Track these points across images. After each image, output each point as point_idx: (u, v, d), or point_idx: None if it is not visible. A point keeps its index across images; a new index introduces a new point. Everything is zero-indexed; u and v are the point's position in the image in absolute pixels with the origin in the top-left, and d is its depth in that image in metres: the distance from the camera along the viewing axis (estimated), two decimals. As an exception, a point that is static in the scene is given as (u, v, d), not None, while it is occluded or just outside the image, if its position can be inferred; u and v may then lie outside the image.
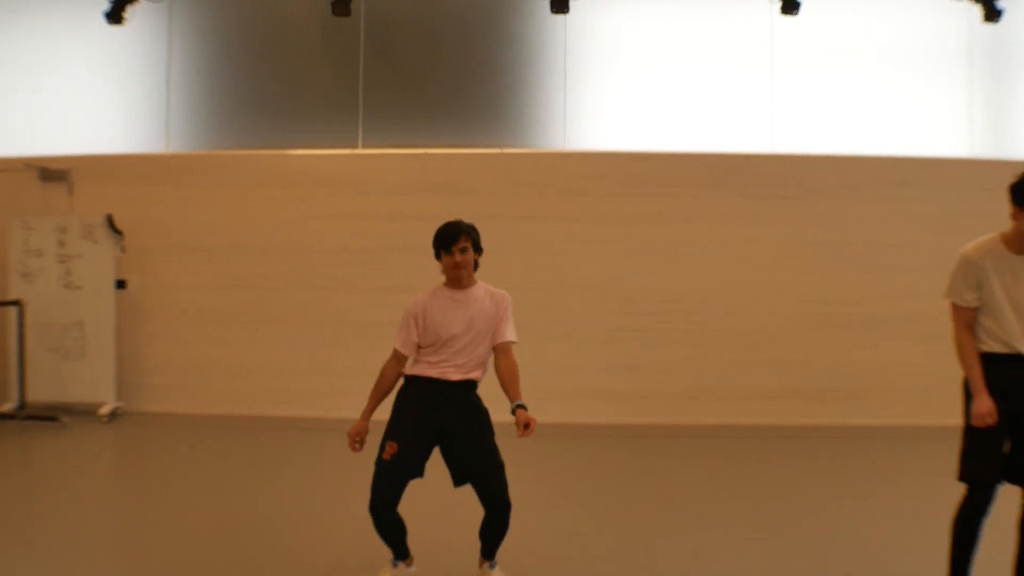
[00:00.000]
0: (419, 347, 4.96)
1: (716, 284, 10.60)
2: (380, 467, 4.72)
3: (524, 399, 4.66)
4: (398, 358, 4.97)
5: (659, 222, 10.61)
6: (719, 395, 10.52)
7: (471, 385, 4.94)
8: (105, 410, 10.16)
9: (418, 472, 4.78)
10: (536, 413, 9.86)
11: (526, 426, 4.49)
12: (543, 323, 10.41)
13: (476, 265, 5.00)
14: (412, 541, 5.04)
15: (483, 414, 4.93)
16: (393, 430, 4.81)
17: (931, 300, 10.19)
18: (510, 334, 4.98)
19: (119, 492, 7.65)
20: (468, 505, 5.05)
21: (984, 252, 4.51)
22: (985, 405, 4.40)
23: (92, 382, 10.35)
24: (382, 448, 4.75)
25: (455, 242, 4.86)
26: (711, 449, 9.38)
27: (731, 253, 10.62)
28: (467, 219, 4.96)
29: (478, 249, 4.98)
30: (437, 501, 6.06)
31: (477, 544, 5.04)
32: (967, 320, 4.57)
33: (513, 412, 4.68)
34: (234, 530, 6.15)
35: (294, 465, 8.37)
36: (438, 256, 4.93)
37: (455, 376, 4.86)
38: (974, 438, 4.53)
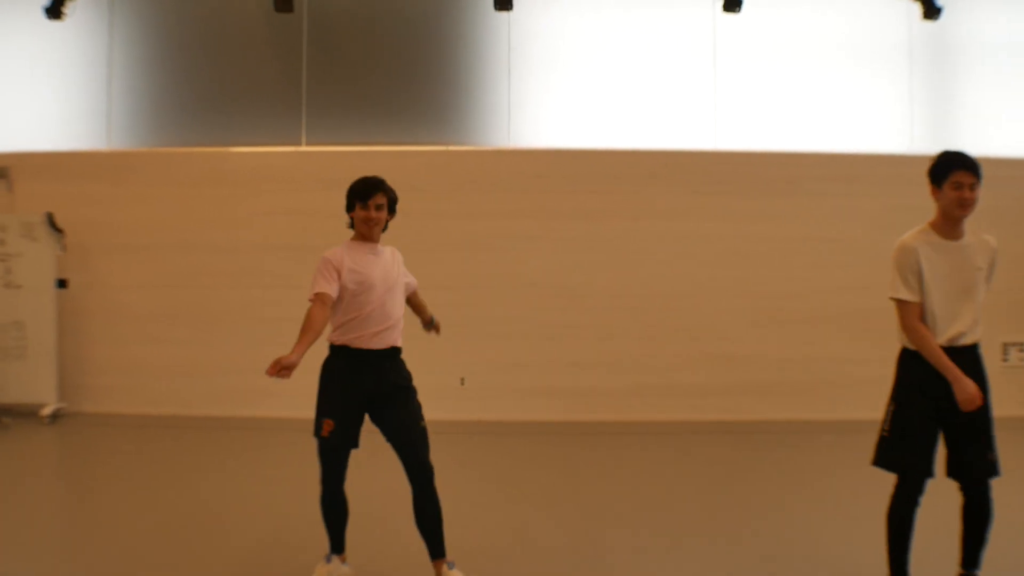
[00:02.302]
0: (336, 305, 4.90)
1: (661, 280, 10.67)
2: (322, 443, 4.85)
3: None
4: (323, 300, 4.78)
5: (604, 218, 10.65)
6: (665, 391, 10.59)
7: (394, 352, 4.98)
8: (46, 411, 10.05)
9: (354, 443, 4.90)
10: (481, 410, 9.96)
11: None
12: (488, 320, 10.43)
13: (386, 226, 5.09)
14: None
15: (407, 379, 5.02)
16: (326, 407, 4.88)
17: (874, 295, 10.30)
18: (414, 283, 5.37)
19: (61, 493, 7.61)
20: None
21: (921, 241, 4.60)
22: (971, 386, 4.45)
23: (33, 382, 10.23)
24: (319, 426, 4.84)
25: (372, 196, 4.94)
26: (657, 445, 9.46)
27: (676, 249, 10.69)
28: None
29: (392, 211, 5.09)
30: (389, 503, 6.08)
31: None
32: (917, 313, 4.61)
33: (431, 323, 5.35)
34: (178, 530, 6.14)
35: (239, 464, 8.37)
36: (351, 208, 4.98)
37: (383, 344, 4.91)
38: (902, 427, 4.61)
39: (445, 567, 4.92)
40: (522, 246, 10.61)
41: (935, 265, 4.56)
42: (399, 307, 5.02)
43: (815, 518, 6.51)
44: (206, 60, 11.01)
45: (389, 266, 5.00)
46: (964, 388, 4.44)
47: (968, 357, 4.59)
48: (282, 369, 4.47)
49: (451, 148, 10.83)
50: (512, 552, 5.75)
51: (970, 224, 4.63)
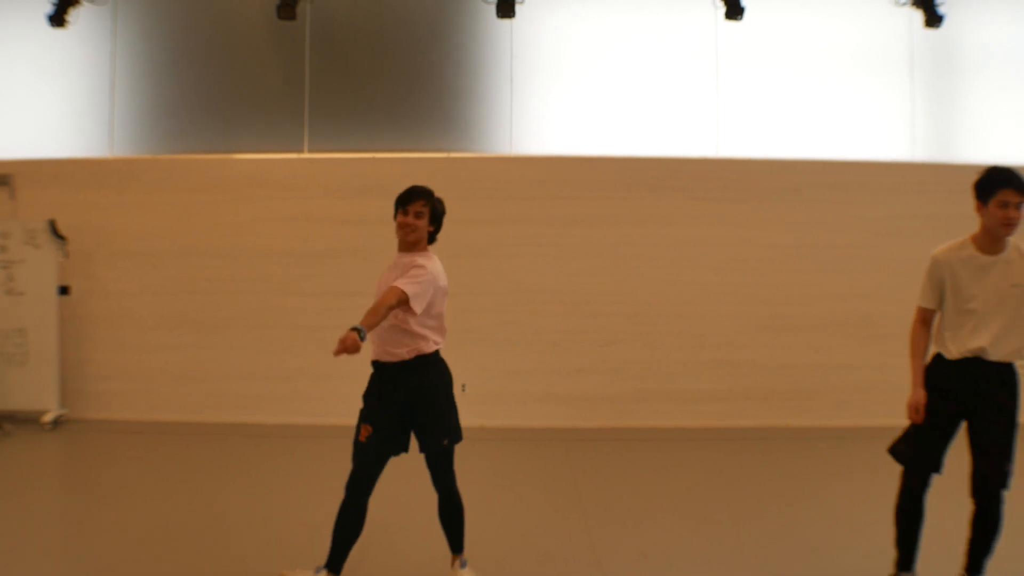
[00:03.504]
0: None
1: (663, 286, 10.66)
2: (357, 448, 4.87)
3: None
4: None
5: (606, 225, 10.66)
6: (667, 397, 10.58)
7: (423, 360, 4.90)
8: (48, 417, 10.04)
9: (400, 449, 4.94)
10: (484, 417, 9.96)
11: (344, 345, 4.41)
12: (491, 327, 10.42)
13: (432, 238, 5.04)
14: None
15: (435, 393, 4.96)
16: (366, 413, 4.94)
17: (874, 301, 10.46)
18: (399, 281, 4.75)
19: (64, 500, 7.61)
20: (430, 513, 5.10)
21: (952, 253, 4.66)
22: (918, 397, 4.59)
23: (35, 389, 10.21)
24: (358, 430, 4.89)
25: (411, 202, 4.93)
26: (660, 451, 9.45)
27: (678, 256, 10.69)
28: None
29: (436, 221, 5.00)
30: (399, 511, 6.07)
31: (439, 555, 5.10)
32: (926, 318, 4.78)
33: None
34: (181, 537, 6.14)
35: (241, 471, 8.35)
36: (396, 215, 4.97)
37: (404, 355, 4.88)
38: (916, 427, 4.73)
39: (457, 563, 5.13)
40: (524, 253, 10.61)
41: (966, 279, 4.59)
42: (411, 321, 4.84)
43: (818, 524, 6.51)
44: (209, 67, 11.03)
45: (394, 273, 4.92)
46: (913, 394, 4.67)
47: (1003, 372, 4.63)
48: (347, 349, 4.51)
49: (453, 155, 10.84)
50: (514, 557, 5.75)
51: (1013, 239, 4.63)
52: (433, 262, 4.95)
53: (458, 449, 5.01)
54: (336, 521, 4.86)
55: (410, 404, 4.87)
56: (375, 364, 5.00)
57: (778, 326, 10.65)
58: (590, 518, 6.72)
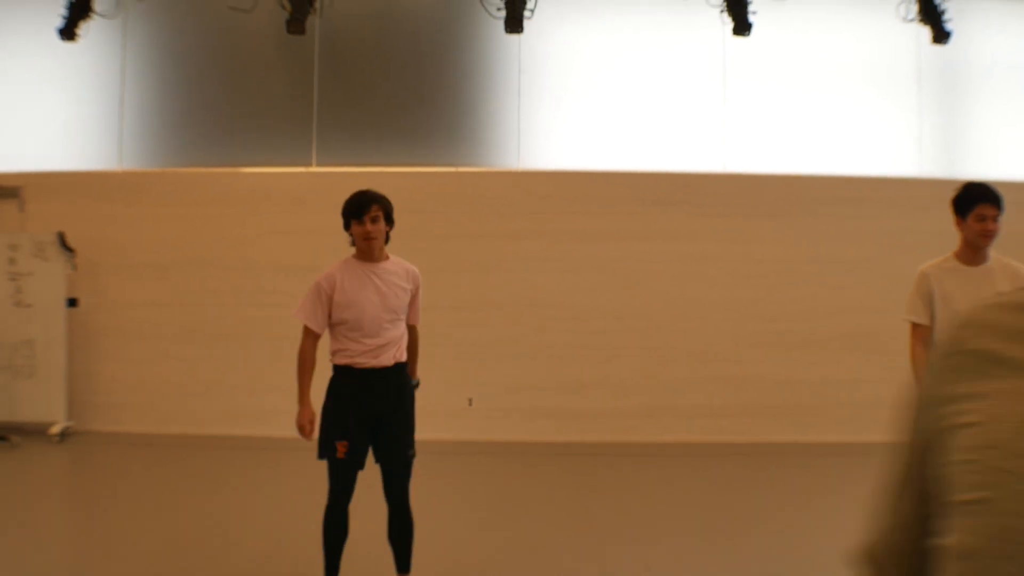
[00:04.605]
0: (332, 326, 4.95)
1: (668, 302, 10.67)
2: (334, 466, 4.84)
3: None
4: (312, 336, 5.04)
5: (612, 240, 10.67)
6: (671, 412, 10.57)
7: (402, 367, 5.00)
8: (56, 429, 10.06)
9: (362, 465, 4.91)
10: (488, 431, 9.96)
11: None
12: (496, 341, 10.42)
13: (387, 238, 5.03)
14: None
15: (409, 399, 5.04)
16: (338, 429, 4.87)
17: (880, 316, 10.42)
18: (417, 318, 5.17)
19: (71, 512, 7.64)
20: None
21: (938, 268, 4.83)
22: None
23: (43, 401, 10.24)
24: (330, 448, 4.84)
25: (366, 211, 4.89)
26: (663, 466, 9.46)
27: (683, 271, 10.70)
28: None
29: (390, 221, 5.01)
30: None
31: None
32: (922, 336, 4.83)
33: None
34: (187, 550, 6.15)
35: (248, 484, 8.37)
36: (347, 226, 4.96)
37: (386, 362, 4.89)
38: None
39: None
40: (531, 267, 10.63)
41: (952, 291, 4.73)
42: (399, 325, 4.96)
43: (823, 540, 6.49)
44: (218, 81, 11.08)
45: (392, 288, 4.93)
46: None
47: None
48: (305, 428, 4.94)
49: (461, 169, 10.86)
50: (518, 571, 5.75)
51: (995, 249, 4.82)
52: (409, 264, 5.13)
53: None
54: (324, 532, 4.87)
55: (383, 412, 4.89)
56: (356, 371, 4.91)
57: (783, 341, 10.65)
58: (595, 532, 6.73)
